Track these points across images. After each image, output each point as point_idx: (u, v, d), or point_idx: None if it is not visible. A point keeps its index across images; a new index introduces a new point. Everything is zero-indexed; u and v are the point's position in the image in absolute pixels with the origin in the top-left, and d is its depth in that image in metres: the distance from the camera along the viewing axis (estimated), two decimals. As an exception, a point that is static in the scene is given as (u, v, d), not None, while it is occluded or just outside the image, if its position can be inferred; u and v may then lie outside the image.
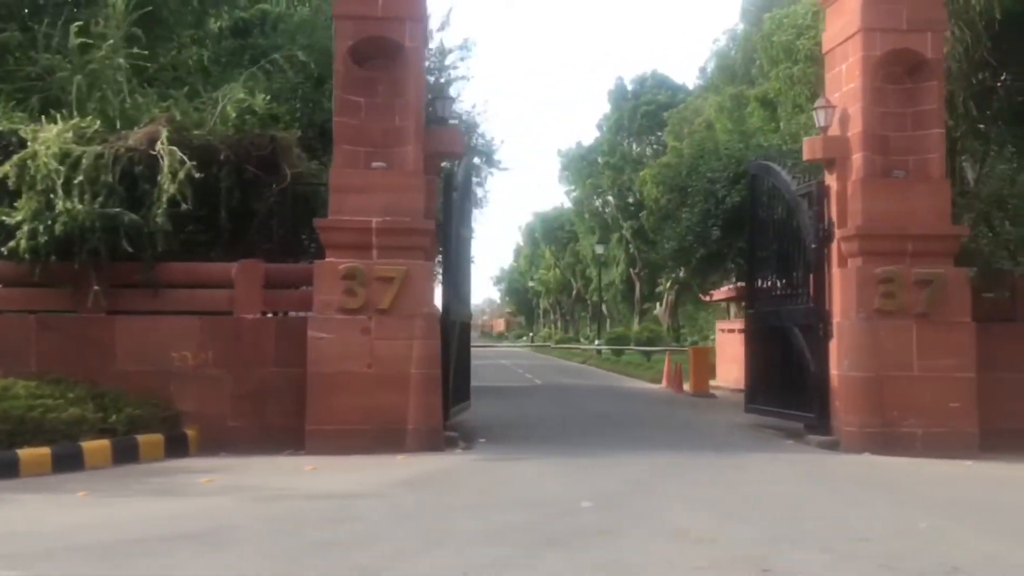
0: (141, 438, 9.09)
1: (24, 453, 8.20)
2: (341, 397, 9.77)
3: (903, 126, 10.91)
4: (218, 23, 14.98)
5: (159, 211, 9.79)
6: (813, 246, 11.38)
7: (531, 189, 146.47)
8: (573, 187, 54.14)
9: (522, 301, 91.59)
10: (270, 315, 10.81)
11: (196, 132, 10.57)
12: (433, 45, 17.23)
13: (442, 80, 17.65)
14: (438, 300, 11.10)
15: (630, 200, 43.52)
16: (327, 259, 10.10)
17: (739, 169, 16.46)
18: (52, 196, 9.64)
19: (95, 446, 8.67)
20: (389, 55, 10.46)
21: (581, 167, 51.26)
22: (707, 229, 17.11)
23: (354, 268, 9.96)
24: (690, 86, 43.48)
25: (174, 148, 9.94)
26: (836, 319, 10.86)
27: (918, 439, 10.12)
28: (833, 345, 10.88)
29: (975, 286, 10.77)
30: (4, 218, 9.80)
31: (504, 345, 68.27)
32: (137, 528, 6.12)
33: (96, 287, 9.97)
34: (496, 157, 20.34)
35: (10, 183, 9.81)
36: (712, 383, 20.48)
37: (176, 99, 11.42)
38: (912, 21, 10.71)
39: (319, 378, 9.83)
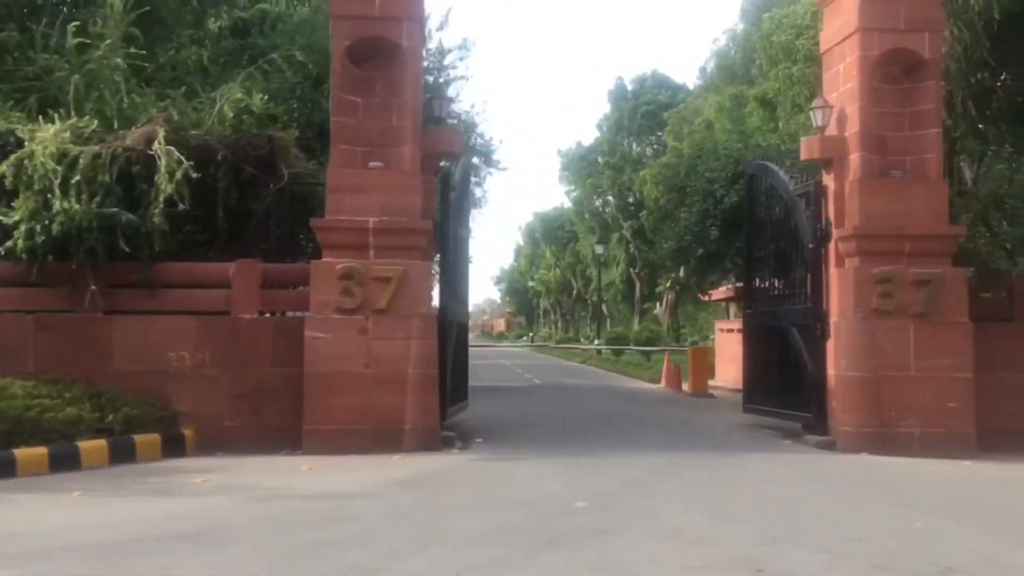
0: (138, 438, 9.10)
1: (21, 453, 8.21)
2: (338, 397, 9.77)
3: (900, 126, 10.91)
4: (218, 23, 14.97)
5: (156, 211, 9.79)
6: (810, 246, 11.38)
7: (531, 189, 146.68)
8: (573, 187, 54.18)
9: (522, 301, 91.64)
10: (267, 315, 10.81)
11: (193, 132, 10.57)
12: (432, 45, 17.26)
13: (441, 80, 17.66)
14: (436, 300, 11.11)
15: (630, 200, 43.55)
16: (324, 259, 10.10)
17: (737, 169, 16.48)
18: (49, 196, 9.65)
19: (92, 446, 8.68)
20: (386, 55, 10.45)
21: (581, 167, 51.30)
22: (705, 229, 17.13)
23: (351, 268, 9.95)
24: (690, 86, 43.58)
25: (171, 148, 9.95)
26: (833, 319, 10.86)
27: (915, 439, 10.12)
28: (830, 345, 10.87)
29: (973, 286, 10.76)
30: (1, 218, 9.80)
31: (504, 345, 68.25)
32: (132, 528, 6.12)
33: (93, 287, 9.98)
34: (495, 157, 20.38)
35: (7, 183, 9.83)
36: (711, 383, 20.48)
37: (174, 99, 11.42)
38: (909, 21, 10.70)
39: (316, 378, 9.82)
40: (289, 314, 11.06)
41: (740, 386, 14.76)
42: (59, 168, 9.69)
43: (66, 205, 9.55)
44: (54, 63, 11.53)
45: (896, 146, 10.87)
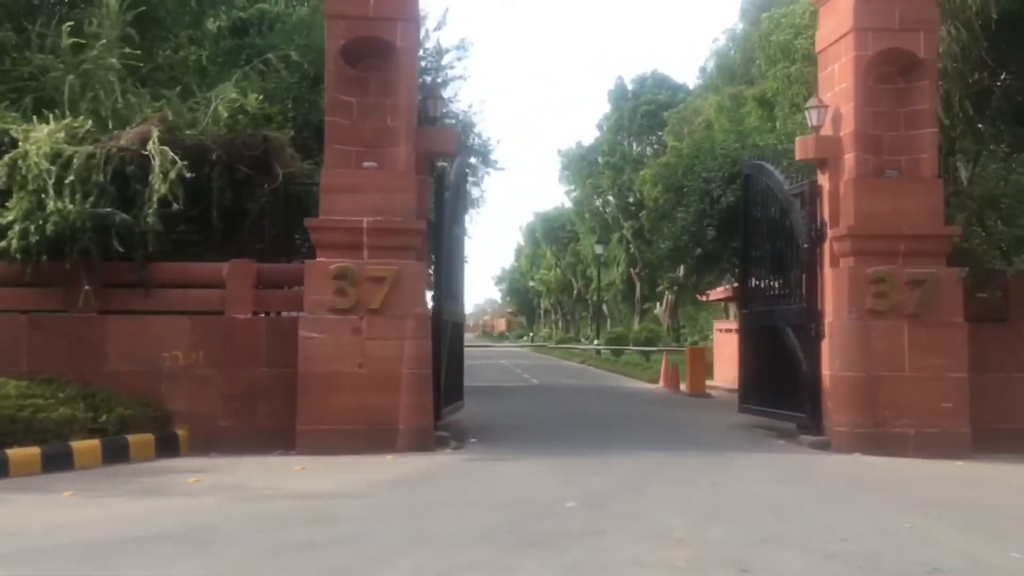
0: (131, 438, 9.11)
1: (14, 453, 8.21)
2: (332, 397, 9.77)
3: (896, 126, 10.89)
4: (216, 23, 14.98)
5: (150, 211, 9.79)
6: (806, 246, 11.36)
7: (531, 189, 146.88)
8: (573, 187, 54.20)
9: (523, 301, 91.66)
10: (261, 315, 10.81)
11: (188, 132, 10.58)
12: (430, 45, 17.26)
13: (439, 80, 17.65)
14: (430, 300, 11.10)
15: (630, 200, 43.58)
16: (318, 259, 10.10)
17: (735, 169, 16.43)
18: (43, 196, 9.65)
19: (85, 446, 8.69)
20: (381, 55, 10.45)
21: (581, 167, 51.32)
22: (702, 229, 17.09)
23: (345, 268, 9.96)
24: (690, 86, 43.63)
25: (165, 148, 9.95)
26: (828, 319, 10.84)
27: (910, 439, 10.10)
28: (825, 345, 10.85)
29: (967, 286, 10.75)
30: (-5, 218, 9.81)
31: (504, 345, 68.27)
32: (120, 528, 6.12)
33: (87, 287, 9.98)
34: (493, 157, 20.35)
35: (1, 183, 9.82)
36: (709, 383, 20.47)
37: (169, 99, 11.42)
38: (904, 21, 10.68)
39: (310, 378, 9.83)
40: (283, 314, 11.06)
41: (737, 386, 14.74)
42: (53, 168, 9.69)
43: (60, 205, 9.55)
44: (50, 63, 11.54)
45: (891, 146, 10.85)
